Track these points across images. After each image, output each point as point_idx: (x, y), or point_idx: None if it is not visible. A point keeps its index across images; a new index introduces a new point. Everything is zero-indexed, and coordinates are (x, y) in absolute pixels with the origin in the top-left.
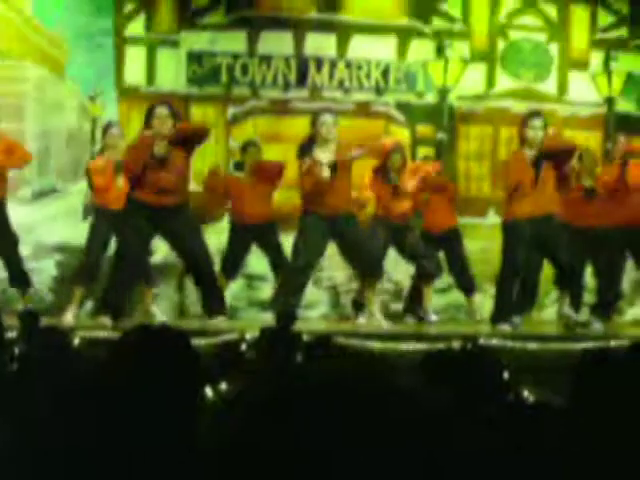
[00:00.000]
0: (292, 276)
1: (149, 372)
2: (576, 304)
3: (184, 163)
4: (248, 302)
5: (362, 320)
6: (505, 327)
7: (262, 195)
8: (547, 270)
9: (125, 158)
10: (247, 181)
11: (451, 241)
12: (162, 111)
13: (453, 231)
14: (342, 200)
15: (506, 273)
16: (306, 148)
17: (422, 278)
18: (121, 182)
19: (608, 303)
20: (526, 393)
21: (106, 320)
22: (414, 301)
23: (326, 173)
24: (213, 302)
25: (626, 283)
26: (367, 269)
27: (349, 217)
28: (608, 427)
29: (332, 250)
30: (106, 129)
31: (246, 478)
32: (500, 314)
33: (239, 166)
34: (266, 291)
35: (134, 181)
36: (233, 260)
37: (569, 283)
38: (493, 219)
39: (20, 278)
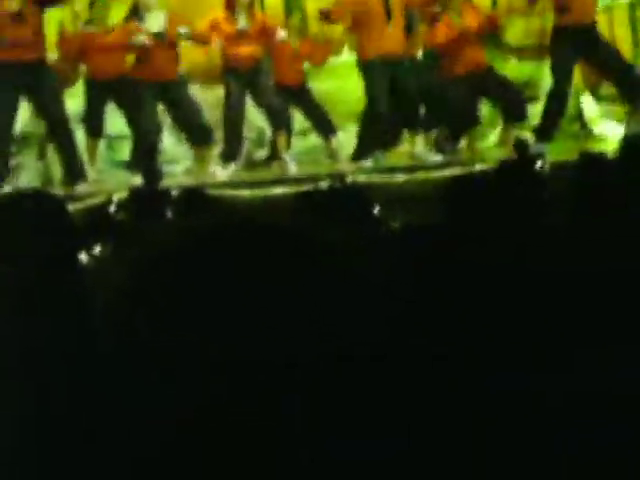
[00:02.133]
0: (146, 136)
1: (26, 235)
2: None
3: (38, 19)
4: (110, 163)
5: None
6: (367, 164)
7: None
8: None
9: None
10: (101, 38)
11: (302, 93)
12: None
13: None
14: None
15: (366, 111)
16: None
17: (273, 129)
18: None
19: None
20: (396, 224)
21: None
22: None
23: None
24: (74, 167)
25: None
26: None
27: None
28: (480, 246)
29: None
30: None
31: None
32: (362, 151)
33: (89, 22)
34: (127, 151)
35: None
36: (96, 117)
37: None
38: (348, 56)
39: None
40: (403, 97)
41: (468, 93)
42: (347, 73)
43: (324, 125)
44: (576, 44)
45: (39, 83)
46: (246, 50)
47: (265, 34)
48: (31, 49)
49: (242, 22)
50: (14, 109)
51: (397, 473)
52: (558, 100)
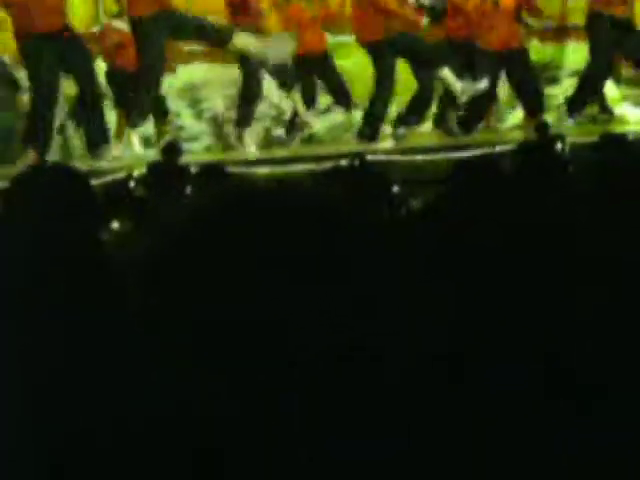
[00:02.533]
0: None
1: (49, 210)
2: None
3: None
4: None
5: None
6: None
7: None
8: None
9: None
10: None
11: (324, 63)
12: None
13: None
14: None
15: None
16: None
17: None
18: None
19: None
20: (414, 203)
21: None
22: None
23: None
24: (97, 133)
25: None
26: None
27: None
28: (496, 229)
29: (210, 78)
30: None
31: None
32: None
33: None
34: (149, 126)
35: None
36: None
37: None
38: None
39: None
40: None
41: (494, 70)
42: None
43: (345, 98)
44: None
45: (69, 47)
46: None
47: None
48: (59, 16)
49: None
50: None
51: (397, 473)
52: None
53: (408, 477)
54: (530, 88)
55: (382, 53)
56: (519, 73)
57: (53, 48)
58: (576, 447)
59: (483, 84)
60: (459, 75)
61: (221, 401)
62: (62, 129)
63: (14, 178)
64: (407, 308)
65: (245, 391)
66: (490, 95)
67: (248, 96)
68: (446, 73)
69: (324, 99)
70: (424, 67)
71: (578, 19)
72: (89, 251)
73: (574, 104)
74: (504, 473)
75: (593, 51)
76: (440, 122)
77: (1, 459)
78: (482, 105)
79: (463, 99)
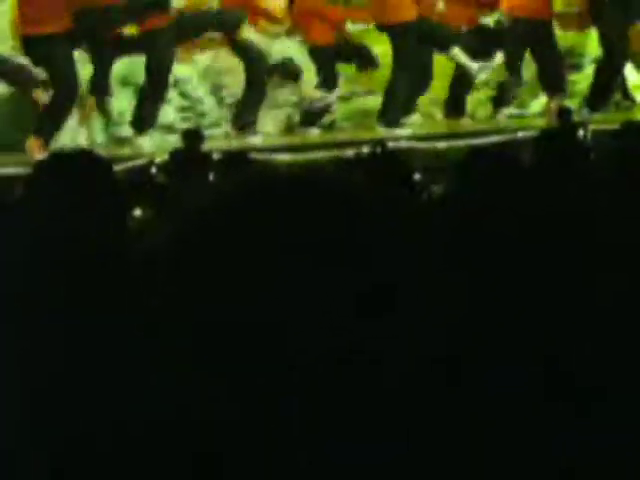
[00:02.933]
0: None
1: (72, 196)
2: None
3: None
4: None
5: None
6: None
7: None
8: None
9: None
10: None
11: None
12: None
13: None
14: None
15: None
16: None
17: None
18: None
19: None
20: (435, 190)
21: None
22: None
23: None
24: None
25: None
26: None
27: None
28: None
29: (232, 65)
30: None
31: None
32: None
33: None
34: (169, 113)
35: None
36: None
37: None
38: None
39: None
40: None
41: (519, 41)
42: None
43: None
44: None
45: None
46: None
47: None
48: None
49: None
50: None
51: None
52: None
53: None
54: (553, 65)
55: (403, 37)
56: (544, 48)
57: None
58: (575, 449)
59: (497, 59)
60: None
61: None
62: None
63: (37, 164)
64: (425, 296)
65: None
66: (516, 73)
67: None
68: (457, 52)
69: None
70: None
71: None
72: (111, 238)
73: (595, 98)
74: (502, 475)
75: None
76: (451, 106)
77: (1, 460)
78: (511, 86)
79: (480, 77)
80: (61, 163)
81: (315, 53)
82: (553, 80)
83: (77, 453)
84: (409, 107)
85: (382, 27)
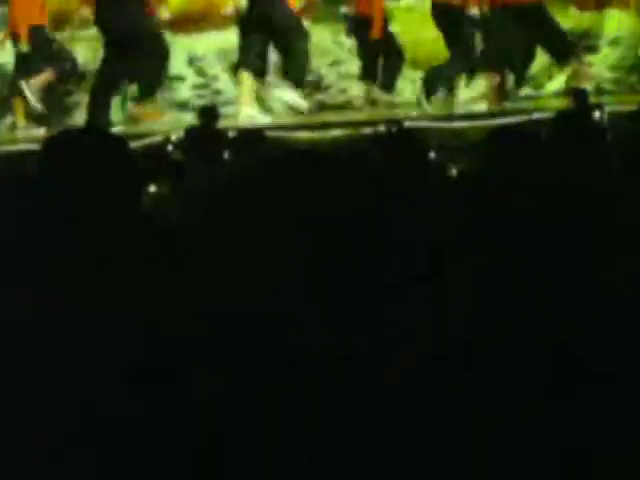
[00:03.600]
0: None
1: (88, 172)
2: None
3: None
4: (169, 103)
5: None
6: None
7: None
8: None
9: None
10: None
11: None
12: None
13: None
14: None
15: None
16: None
17: None
18: None
19: None
20: (453, 170)
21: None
22: None
23: None
24: None
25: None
26: None
27: None
28: (528, 195)
29: None
30: None
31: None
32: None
33: None
34: (184, 91)
35: None
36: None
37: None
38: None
39: None
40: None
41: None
42: (406, 18)
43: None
44: None
45: None
46: None
47: None
48: None
49: None
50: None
51: (396, 473)
52: None
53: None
54: (553, 36)
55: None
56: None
57: None
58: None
59: None
60: None
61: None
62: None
63: (49, 140)
64: (448, 271)
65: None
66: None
67: None
68: None
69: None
70: None
71: None
72: (129, 214)
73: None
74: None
75: None
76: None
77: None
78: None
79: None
80: (72, 140)
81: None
82: (561, 48)
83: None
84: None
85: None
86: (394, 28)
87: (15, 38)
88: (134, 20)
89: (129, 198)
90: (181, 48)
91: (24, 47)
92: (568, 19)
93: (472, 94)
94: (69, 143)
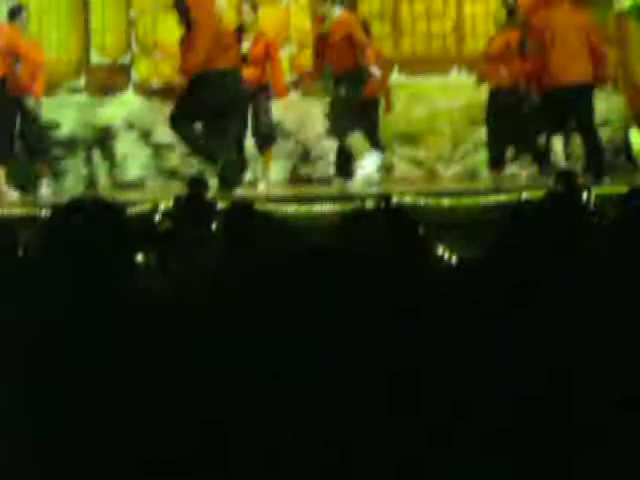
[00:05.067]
0: None
1: (84, 241)
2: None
3: None
4: (158, 171)
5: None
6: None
7: None
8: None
9: None
10: None
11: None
12: None
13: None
14: None
15: None
16: None
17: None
18: None
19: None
20: (441, 249)
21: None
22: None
23: None
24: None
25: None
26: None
27: None
28: (524, 277)
29: None
30: None
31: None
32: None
33: None
34: (174, 159)
35: None
36: None
37: None
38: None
39: None
40: None
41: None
42: (398, 94)
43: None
44: None
45: None
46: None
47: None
48: None
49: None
50: None
51: None
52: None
53: None
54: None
55: None
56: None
57: None
58: None
59: None
60: None
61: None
62: (88, 159)
63: (52, 208)
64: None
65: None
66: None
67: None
68: None
69: None
70: None
71: None
72: (119, 281)
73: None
74: None
75: None
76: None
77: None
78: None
79: None
80: (74, 209)
81: None
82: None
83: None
84: None
85: None
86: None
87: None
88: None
89: (121, 264)
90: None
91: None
92: None
93: (367, 170)
94: (70, 211)
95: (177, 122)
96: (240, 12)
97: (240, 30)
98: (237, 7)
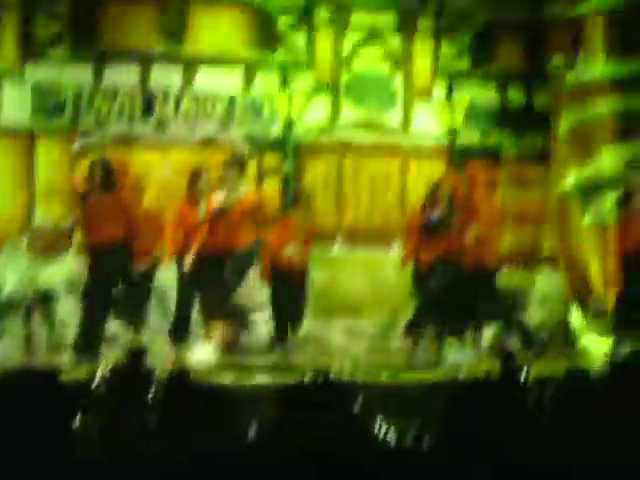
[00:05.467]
0: None
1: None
2: None
3: None
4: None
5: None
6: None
7: None
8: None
9: None
10: None
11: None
12: None
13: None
14: None
15: None
16: None
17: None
18: None
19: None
20: (377, 425)
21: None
22: None
23: None
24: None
25: None
26: None
27: None
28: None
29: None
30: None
31: None
32: None
33: None
34: (116, 325)
35: None
36: None
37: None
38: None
39: None
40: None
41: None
42: (340, 266)
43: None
44: None
45: None
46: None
47: None
48: None
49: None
50: None
51: None
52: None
53: None
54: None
55: None
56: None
57: None
58: None
59: None
60: None
61: None
62: (27, 320)
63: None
64: None
65: None
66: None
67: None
68: None
69: None
70: None
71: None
72: (58, 447)
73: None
74: None
75: None
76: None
77: None
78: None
79: None
80: (11, 378)
81: None
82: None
83: None
84: None
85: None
86: (324, 275)
87: None
88: None
89: (59, 429)
90: None
91: None
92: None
93: (200, 357)
94: (8, 380)
95: None
96: None
97: None
98: None
